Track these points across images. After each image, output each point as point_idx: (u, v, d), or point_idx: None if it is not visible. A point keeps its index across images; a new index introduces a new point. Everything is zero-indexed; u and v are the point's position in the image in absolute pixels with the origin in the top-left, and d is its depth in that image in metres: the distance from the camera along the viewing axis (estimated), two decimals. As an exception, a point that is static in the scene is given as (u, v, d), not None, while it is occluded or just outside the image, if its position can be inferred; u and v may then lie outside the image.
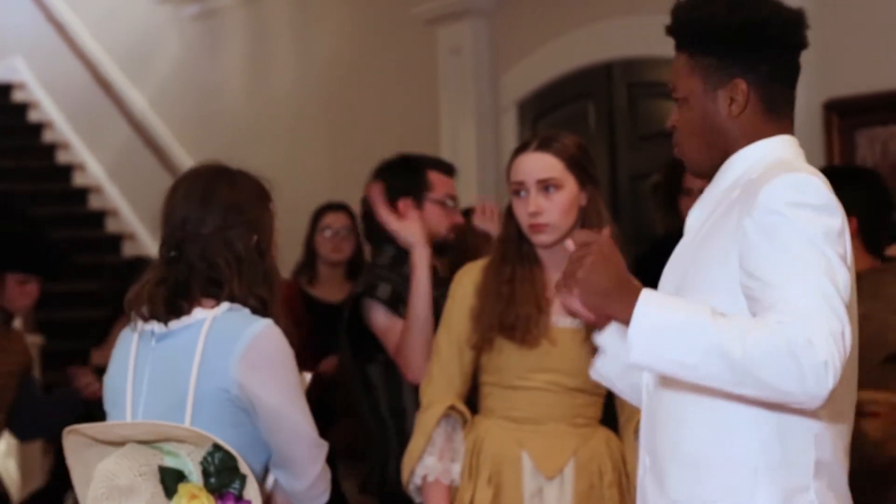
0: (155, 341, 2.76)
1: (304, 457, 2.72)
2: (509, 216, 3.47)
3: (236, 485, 2.57)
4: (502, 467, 3.38)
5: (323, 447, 2.75)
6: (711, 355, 2.14)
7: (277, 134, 8.25)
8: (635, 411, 3.35)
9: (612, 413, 3.51)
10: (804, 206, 2.24)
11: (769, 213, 2.24)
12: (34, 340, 7.69)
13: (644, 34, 6.14)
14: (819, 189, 2.27)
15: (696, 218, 2.49)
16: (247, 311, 2.73)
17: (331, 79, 7.88)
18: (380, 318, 3.91)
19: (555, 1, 6.53)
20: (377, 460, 3.98)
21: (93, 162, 10.11)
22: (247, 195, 2.81)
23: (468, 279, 3.50)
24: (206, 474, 2.58)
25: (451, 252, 4.17)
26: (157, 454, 2.61)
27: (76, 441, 2.69)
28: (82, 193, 10.04)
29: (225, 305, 2.72)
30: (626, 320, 2.21)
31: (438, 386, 3.47)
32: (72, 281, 9.14)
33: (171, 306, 2.74)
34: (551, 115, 6.67)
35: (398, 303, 3.89)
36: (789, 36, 2.43)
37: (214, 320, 2.70)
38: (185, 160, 9.00)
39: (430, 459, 3.41)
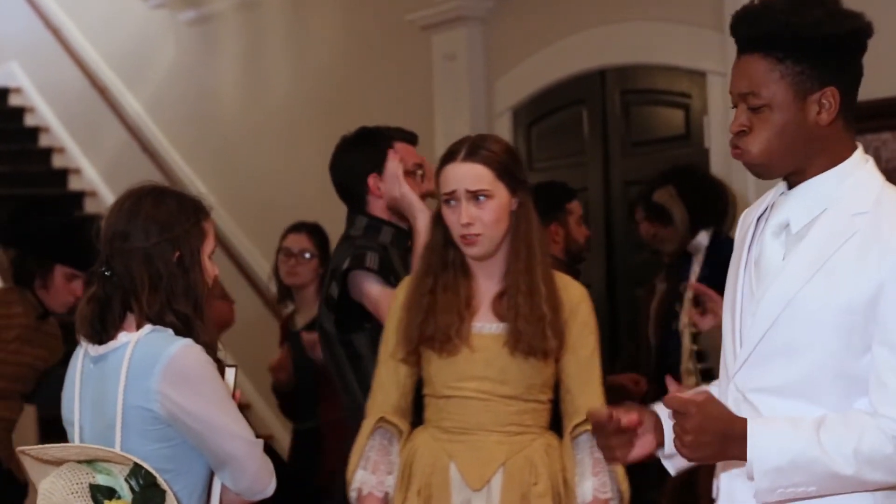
0: (91, 364, 2.92)
1: (242, 456, 2.85)
2: (437, 224, 3.46)
3: (158, 499, 2.75)
4: (432, 479, 3.40)
5: (258, 444, 2.89)
6: (825, 481, 2.30)
7: (273, 139, 8.27)
8: (574, 417, 3.39)
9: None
10: None
11: None
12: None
13: (638, 41, 6.17)
14: None
15: (781, 238, 2.46)
16: (169, 331, 2.86)
17: (326, 84, 7.90)
18: (374, 288, 3.89)
19: (549, 8, 6.56)
20: None
21: (88, 166, 10.12)
22: (172, 212, 2.90)
23: (402, 292, 3.52)
24: (132, 490, 2.75)
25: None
26: (91, 473, 2.76)
27: (28, 461, 2.85)
28: (78, 197, 10.04)
29: (148, 328, 2.85)
30: (743, 460, 2.32)
31: (376, 399, 3.51)
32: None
33: (100, 324, 2.88)
34: (545, 120, 6.70)
35: (388, 272, 3.91)
36: (866, 44, 2.44)
37: (137, 343, 2.84)
38: (181, 165, 9.02)
39: (361, 473, 3.46)
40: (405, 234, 4.05)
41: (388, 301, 3.84)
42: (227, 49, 8.85)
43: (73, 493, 2.73)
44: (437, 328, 3.38)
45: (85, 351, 2.95)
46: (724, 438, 2.32)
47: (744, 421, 2.33)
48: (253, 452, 2.87)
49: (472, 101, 6.86)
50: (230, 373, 2.96)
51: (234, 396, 2.93)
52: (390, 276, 3.91)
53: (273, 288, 5.71)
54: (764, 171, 2.47)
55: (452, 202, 3.39)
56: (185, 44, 9.22)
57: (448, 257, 3.44)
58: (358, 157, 4.10)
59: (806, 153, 2.42)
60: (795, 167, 2.45)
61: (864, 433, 2.27)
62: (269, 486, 2.91)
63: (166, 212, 2.89)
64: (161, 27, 9.40)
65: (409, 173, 4.05)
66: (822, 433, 2.28)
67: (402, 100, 7.31)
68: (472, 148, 3.40)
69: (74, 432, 2.94)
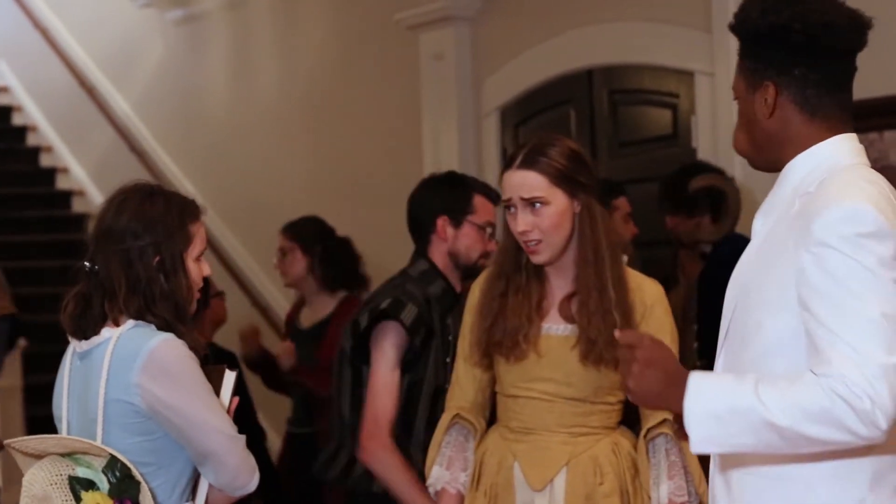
0: (78, 360, 2.94)
1: (222, 450, 2.86)
2: (508, 227, 3.44)
3: (133, 490, 2.78)
4: (497, 478, 3.41)
5: (239, 439, 2.89)
6: (762, 432, 2.27)
7: (260, 138, 8.27)
8: (649, 420, 3.35)
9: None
10: (856, 237, 2.28)
11: (823, 247, 2.30)
12: (17, 343, 7.69)
13: (625, 41, 6.17)
14: (868, 216, 2.30)
15: (761, 225, 2.53)
16: (152, 327, 2.86)
17: (314, 83, 7.90)
18: (383, 365, 3.87)
19: (537, 8, 6.56)
20: (349, 451, 4.02)
21: (76, 165, 10.12)
22: (156, 214, 2.90)
23: (477, 292, 3.53)
24: (109, 482, 2.78)
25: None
26: (71, 465, 2.80)
27: (16, 454, 2.88)
28: (66, 196, 10.05)
29: (130, 323, 2.87)
30: (680, 410, 2.34)
31: (453, 394, 3.55)
32: (55, 285, 9.17)
33: (84, 321, 2.91)
34: (532, 120, 6.69)
35: (419, 327, 3.89)
36: (825, 41, 2.43)
37: (119, 338, 2.85)
38: (169, 164, 9.02)
39: (437, 469, 3.50)
40: (453, 294, 4.04)
41: (379, 391, 3.83)
42: (214, 48, 8.85)
43: (52, 484, 2.76)
44: (505, 333, 3.38)
45: (73, 348, 2.96)
46: (668, 380, 2.35)
47: (688, 370, 2.37)
48: (234, 447, 2.87)
49: (460, 100, 6.86)
50: (230, 377, 2.95)
51: (231, 401, 2.93)
52: (421, 330, 3.89)
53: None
54: (749, 161, 2.58)
55: (511, 209, 3.38)
56: (172, 43, 9.21)
57: (521, 260, 3.43)
58: (435, 195, 4.11)
59: (769, 143, 2.50)
60: (770, 158, 2.52)
61: (803, 387, 2.26)
62: (251, 482, 2.91)
63: (150, 213, 2.89)
64: (148, 26, 9.39)
65: (480, 228, 4.05)
66: (760, 385, 2.29)
67: (390, 99, 7.31)
68: (528, 155, 3.37)
69: (63, 428, 2.95)
